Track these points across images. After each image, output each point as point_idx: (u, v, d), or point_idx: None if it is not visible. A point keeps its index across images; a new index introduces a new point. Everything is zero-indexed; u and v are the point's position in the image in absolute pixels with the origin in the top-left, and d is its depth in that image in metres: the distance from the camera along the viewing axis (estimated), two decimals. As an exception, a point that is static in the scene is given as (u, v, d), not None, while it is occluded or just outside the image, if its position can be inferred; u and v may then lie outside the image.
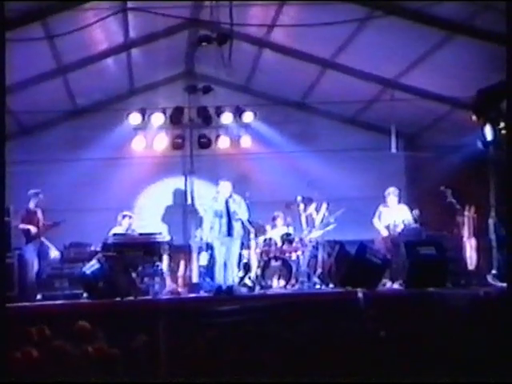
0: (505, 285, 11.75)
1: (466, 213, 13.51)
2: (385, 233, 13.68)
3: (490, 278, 12.62)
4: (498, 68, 12.00)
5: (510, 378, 5.98)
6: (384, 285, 12.71)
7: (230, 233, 12.54)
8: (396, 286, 12.71)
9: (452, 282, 12.49)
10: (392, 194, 13.93)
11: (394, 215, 13.71)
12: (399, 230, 13.59)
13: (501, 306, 9.71)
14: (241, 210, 12.63)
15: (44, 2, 11.40)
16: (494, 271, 12.61)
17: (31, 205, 13.10)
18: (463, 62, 12.67)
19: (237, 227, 12.66)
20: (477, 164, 13.29)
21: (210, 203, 12.97)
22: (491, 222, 12.63)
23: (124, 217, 14.12)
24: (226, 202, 12.56)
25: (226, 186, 12.70)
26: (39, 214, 13.15)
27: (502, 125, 12.26)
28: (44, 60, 13.10)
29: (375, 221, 13.84)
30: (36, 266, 12.85)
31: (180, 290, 13.83)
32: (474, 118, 12.44)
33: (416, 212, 13.73)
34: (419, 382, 6.13)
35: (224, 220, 12.48)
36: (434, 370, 6.16)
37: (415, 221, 13.55)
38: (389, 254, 13.17)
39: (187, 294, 13.61)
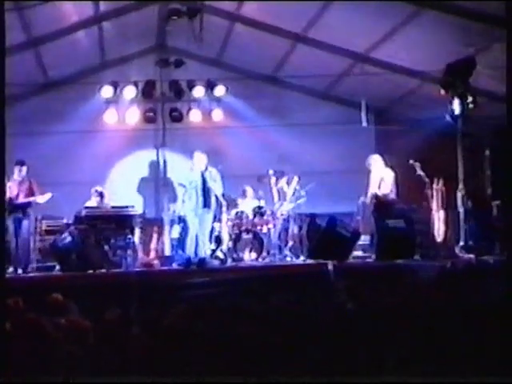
0: (472, 256, 12.00)
1: (435, 186, 13.63)
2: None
3: (457, 250, 12.77)
4: (466, 42, 12.14)
5: (477, 350, 6.05)
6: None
7: (205, 204, 12.54)
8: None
9: (421, 254, 12.69)
10: (370, 160, 13.92)
11: (374, 184, 13.72)
12: (369, 200, 13.63)
13: (467, 277, 9.90)
14: (216, 183, 12.61)
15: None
16: (461, 243, 12.73)
17: (15, 175, 12.76)
18: (432, 37, 12.68)
19: (211, 200, 12.71)
20: (445, 137, 13.39)
21: (184, 175, 12.99)
22: (459, 194, 12.73)
23: (96, 192, 13.99)
24: (202, 175, 12.53)
25: (201, 158, 12.68)
26: (24, 185, 12.78)
27: (469, 99, 12.41)
28: (14, 32, 12.95)
29: None
30: (14, 239, 12.50)
31: (153, 262, 13.91)
32: (442, 91, 12.57)
33: None
34: (388, 352, 6.17)
35: (200, 192, 12.47)
36: (401, 341, 6.22)
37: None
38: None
39: (160, 267, 13.69)
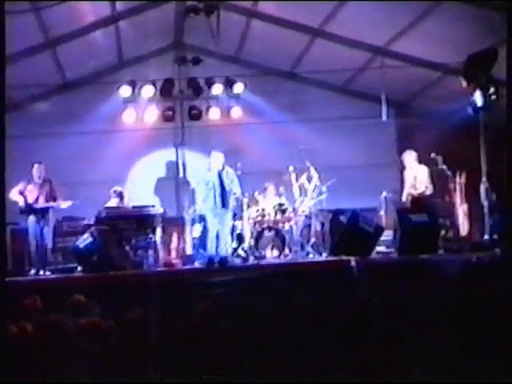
0: (497, 250, 11.86)
1: (458, 179, 13.57)
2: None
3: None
4: (487, 32, 12.01)
5: (502, 344, 5.96)
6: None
7: (224, 204, 12.55)
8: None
9: (444, 248, 12.62)
10: (404, 157, 13.83)
11: (408, 183, 13.60)
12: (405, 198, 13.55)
13: (493, 271, 9.79)
14: (233, 184, 12.66)
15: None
16: (486, 236, 12.58)
17: (35, 176, 12.76)
18: (452, 28, 12.60)
19: (230, 199, 12.66)
20: (467, 130, 13.26)
21: (202, 175, 12.98)
22: (483, 187, 12.58)
23: (115, 192, 14.01)
24: (220, 175, 12.52)
25: (218, 157, 12.67)
26: (45, 187, 12.79)
27: (491, 90, 12.28)
28: (32, 33, 13.00)
29: None
30: (33, 241, 12.59)
31: (174, 261, 13.87)
32: (464, 83, 12.45)
33: None
34: (413, 349, 6.10)
35: (218, 191, 12.48)
36: (427, 337, 6.14)
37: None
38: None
39: (182, 266, 13.66)
